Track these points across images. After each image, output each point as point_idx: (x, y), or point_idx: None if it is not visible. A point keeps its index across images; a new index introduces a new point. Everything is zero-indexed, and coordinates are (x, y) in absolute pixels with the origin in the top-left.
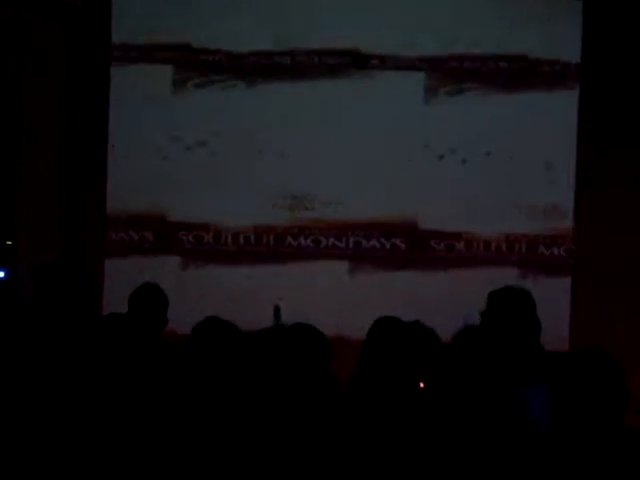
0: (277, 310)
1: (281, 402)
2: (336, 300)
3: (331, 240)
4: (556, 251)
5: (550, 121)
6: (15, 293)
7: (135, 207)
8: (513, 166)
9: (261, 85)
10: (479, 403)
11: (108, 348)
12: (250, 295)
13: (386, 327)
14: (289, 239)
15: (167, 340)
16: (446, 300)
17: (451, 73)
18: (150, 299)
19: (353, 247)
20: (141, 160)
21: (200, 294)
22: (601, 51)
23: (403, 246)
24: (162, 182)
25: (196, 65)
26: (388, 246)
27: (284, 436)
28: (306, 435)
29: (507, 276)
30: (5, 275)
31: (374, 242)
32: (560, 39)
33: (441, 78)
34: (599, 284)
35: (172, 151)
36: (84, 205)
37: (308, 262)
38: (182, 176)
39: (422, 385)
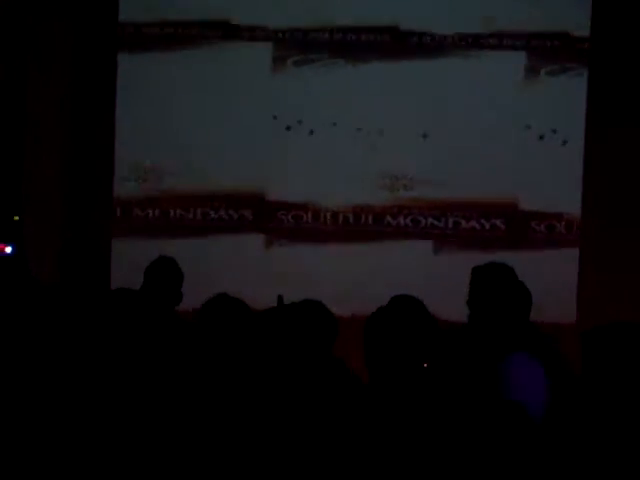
0: (280, 300)
1: (285, 379)
2: (423, 278)
3: (430, 220)
4: None
5: None
6: (22, 269)
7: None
8: None
9: (361, 64)
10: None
11: (121, 323)
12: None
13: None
14: (388, 218)
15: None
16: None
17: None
18: (165, 274)
19: (452, 227)
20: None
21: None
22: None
23: (503, 227)
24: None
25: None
26: (488, 226)
27: (290, 414)
28: (312, 413)
29: None
30: (12, 251)
31: (473, 222)
32: None
33: (542, 56)
34: (606, 257)
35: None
36: (91, 181)
37: (407, 241)
38: (280, 157)
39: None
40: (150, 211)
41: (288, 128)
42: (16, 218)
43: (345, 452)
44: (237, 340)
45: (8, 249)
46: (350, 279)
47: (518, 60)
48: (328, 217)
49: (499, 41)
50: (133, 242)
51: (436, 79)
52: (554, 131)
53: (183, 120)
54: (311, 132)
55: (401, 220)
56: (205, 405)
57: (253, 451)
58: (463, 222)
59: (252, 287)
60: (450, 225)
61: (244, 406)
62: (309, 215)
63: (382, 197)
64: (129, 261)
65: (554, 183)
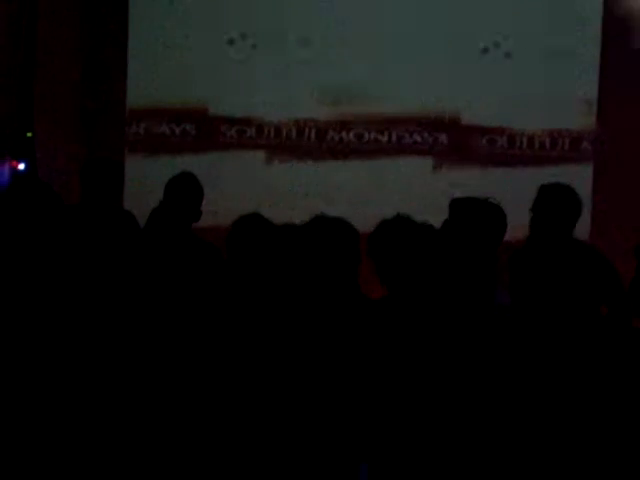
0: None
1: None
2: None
3: (373, 135)
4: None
5: None
6: (34, 185)
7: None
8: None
9: None
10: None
11: (138, 240)
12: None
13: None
14: (331, 133)
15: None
16: None
17: None
18: (186, 189)
19: (396, 141)
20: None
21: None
22: None
23: (445, 141)
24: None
25: None
26: (430, 140)
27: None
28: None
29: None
30: (25, 167)
31: (416, 136)
32: None
33: None
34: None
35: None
36: (103, 96)
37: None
38: (223, 70)
39: None
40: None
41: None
42: (29, 135)
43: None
44: (265, 258)
45: (21, 166)
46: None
47: None
48: (272, 132)
49: None
50: None
51: None
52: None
53: None
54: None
55: (344, 135)
56: (230, 322)
57: (277, 366)
58: (406, 136)
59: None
60: (394, 139)
61: (269, 324)
62: (252, 130)
63: (323, 112)
64: None
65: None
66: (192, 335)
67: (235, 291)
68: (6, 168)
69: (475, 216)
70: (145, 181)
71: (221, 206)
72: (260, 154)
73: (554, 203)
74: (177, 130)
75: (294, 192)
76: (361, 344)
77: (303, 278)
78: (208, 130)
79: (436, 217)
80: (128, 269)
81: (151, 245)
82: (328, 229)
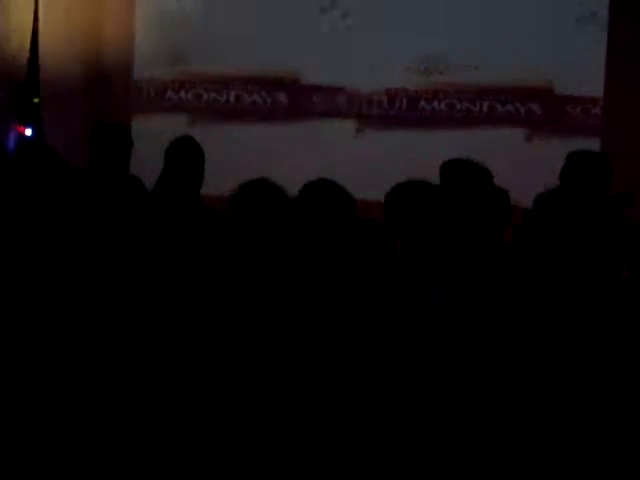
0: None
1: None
2: None
3: (465, 104)
4: None
5: None
6: (41, 151)
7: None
8: None
9: None
10: None
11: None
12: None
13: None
14: (422, 103)
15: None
16: None
17: None
18: (188, 154)
19: (488, 111)
20: None
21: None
22: None
23: (539, 111)
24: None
25: None
26: (523, 111)
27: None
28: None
29: None
30: (32, 133)
31: (509, 106)
32: None
33: None
34: None
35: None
36: (109, 62)
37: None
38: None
39: None
40: (183, 93)
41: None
42: (36, 100)
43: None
44: (270, 224)
45: (28, 131)
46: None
47: None
48: (363, 101)
49: None
50: (166, 121)
51: None
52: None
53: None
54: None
55: (435, 105)
56: (237, 289)
57: (287, 333)
58: (498, 106)
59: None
60: (485, 109)
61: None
62: (343, 99)
63: (416, 81)
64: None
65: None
66: (199, 304)
67: (240, 257)
68: (13, 134)
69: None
70: (233, 149)
71: (314, 175)
72: (351, 123)
73: (583, 170)
74: (268, 99)
75: (384, 161)
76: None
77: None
78: (299, 99)
79: (529, 188)
80: (134, 235)
81: (157, 211)
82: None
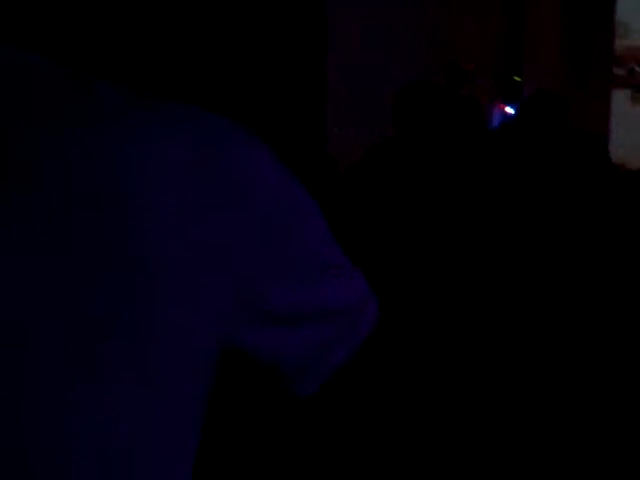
0: None
1: None
2: None
3: None
4: None
5: None
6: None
7: None
8: None
9: None
10: None
11: None
12: None
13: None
14: None
15: None
16: None
17: None
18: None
19: None
20: None
21: None
22: None
23: None
24: None
25: None
26: None
27: None
28: None
29: None
30: (514, 111)
31: None
32: None
33: None
34: None
35: None
36: (590, 41)
37: None
38: None
39: None
40: None
41: None
42: (517, 79)
43: None
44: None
45: (509, 109)
46: None
47: None
48: None
49: None
50: None
51: None
52: None
53: None
54: None
55: None
56: None
57: None
58: None
59: None
60: None
61: None
62: None
63: None
64: None
65: None
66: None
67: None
68: (496, 111)
69: None
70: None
71: None
72: None
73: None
74: None
75: None
76: None
77: None
78: None
79: None
80: None
81: None
82: None
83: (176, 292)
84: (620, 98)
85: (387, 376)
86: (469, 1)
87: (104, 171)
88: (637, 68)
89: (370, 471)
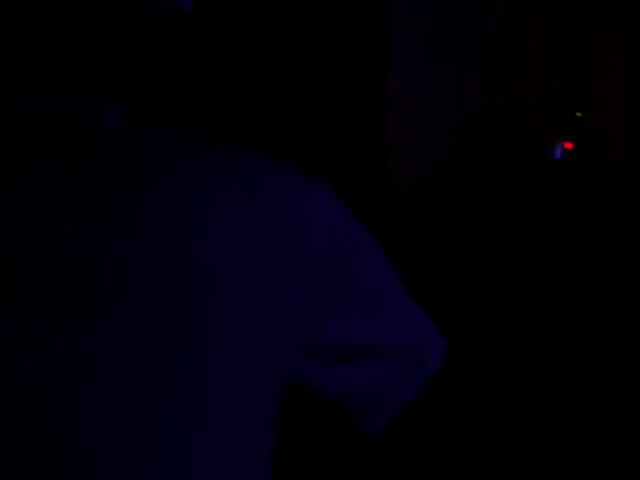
0: None
1: None
2: None
3: None
4: None
5: None
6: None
7: None
8: None
9: None
10: None
11: None
12: None
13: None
14: None
15: None
16: None
17: None
18: None
19: None
20: None
21: None
22: None
23: None
24: None
25: None
26: None
27: None
28: None
29: None
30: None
31: None
32: None
33: None
34: None
35: None
36: None
37: None
38: None
39: None
40: None
41: None
42: (579, 114)
43: None
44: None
45: (570, 145)
46: None
47: None
48: None
49: None
50: None
51: None
52: None
53: None
54: None
55: None
56: None
57: None
58: None
59: None
60: None
61: None
62: None
63: None
64: None
65: None
66: None
67: None
68: (558, 147)
69: None
70: None
71: None
72: None
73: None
74: None
75: None
76: None
77: None
78: None
79: None
80: None
81: None
82: None
83: (232, 336)
84: None
85: (454, 413)
86: (534, 28)
87: (172, 231)
88: None
89: None
